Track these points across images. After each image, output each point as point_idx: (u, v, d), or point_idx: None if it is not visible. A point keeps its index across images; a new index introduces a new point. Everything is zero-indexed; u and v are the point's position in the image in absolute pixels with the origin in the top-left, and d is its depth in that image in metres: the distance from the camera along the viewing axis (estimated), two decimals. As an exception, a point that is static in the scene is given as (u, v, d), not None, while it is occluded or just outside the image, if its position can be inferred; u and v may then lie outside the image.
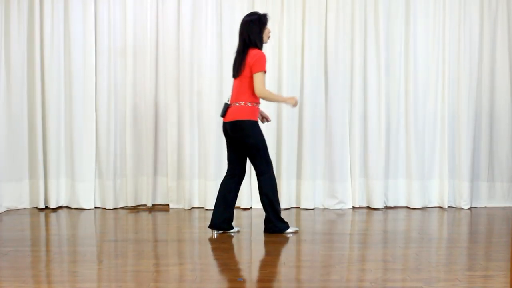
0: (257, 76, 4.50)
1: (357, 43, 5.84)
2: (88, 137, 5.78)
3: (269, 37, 4.71)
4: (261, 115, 4.85)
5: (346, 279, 3.64)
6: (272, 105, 5.81)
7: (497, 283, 3.55)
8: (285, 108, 5.80)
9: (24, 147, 5.76)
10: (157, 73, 5.86)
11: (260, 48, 4.61)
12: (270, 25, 5.77)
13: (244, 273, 3.83)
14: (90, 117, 5.77)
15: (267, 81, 5.77)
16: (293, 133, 5.88)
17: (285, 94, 5.80)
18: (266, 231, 4.73)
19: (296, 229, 4.82)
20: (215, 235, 4.69)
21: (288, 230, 4.73)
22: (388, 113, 5.92)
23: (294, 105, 4.67)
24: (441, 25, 5.90)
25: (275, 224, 4.69)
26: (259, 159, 4.62)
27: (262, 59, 4.52)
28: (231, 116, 4.57)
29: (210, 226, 4.74)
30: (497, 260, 4.04)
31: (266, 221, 4.73)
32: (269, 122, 5.13)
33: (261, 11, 5.74)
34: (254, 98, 4.57)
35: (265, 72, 4.54)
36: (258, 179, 4.67)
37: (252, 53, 4.54)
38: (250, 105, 4.56)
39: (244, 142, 4.59)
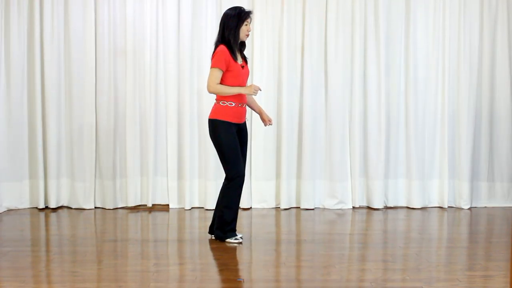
0: (210, 71, 4.34)
1: (357, 43, 5.84)
2: (88, 137, 5.77)
3: (247, 35, 4.42)
4: (261, 117, 4.66)
5: (346, 279, 3.64)
6: (272, 104, 5.82)
7: (497, 283, 3.55)
8: (285, 108, 5.79)
9: (24, 147, 5.75)
10: (157, 73, 5.86)
11: (234, 44, 4.35)
12: (270, 25, 5.84)
13: (244, 273, 3.83)
14: (90, 117, 5.77)
15: (268, 82, 5.80)
16: (293, 133, 5.87)
17: (285, 94, 5.80)
18: (215, 237, 4.56)
19: (240, 240, 4.50)
20: (213, 237, 4.61)
21: (229, 240, 4.47)
22: (388, 113, 5.92)
23: (255, 93, 4.37)
24: (441, 25, 5.89)
25: (216, 232, 4.52)
26: (224, 162, 4.43)
27: (219, 55, 4.29)
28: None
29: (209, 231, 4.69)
30: (497, 260, 4.04)
31: (212, 226, 4.61)
32: (271, 125, 4.88)
33: (259, 10, 5.83)
34: (226, 96, 4.36)
35: (220, 69, 4.28)
36: (224, 182, 4.49)
37: (216, 49, 4.38)
38: (222, 104, 4.37)
39: (211, 139, 4.48)
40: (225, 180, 4.48)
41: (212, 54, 4.41)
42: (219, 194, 4.56)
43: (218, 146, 4.41)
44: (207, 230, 4.70)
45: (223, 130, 4.37)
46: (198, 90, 5.82)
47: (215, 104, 4.44)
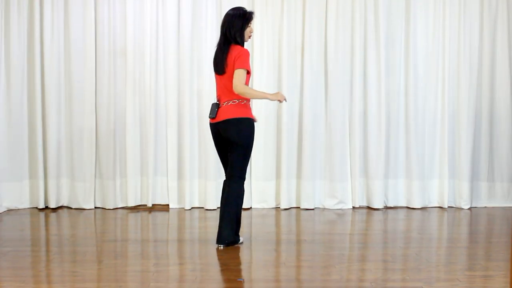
0: (237, 72, 4.15)
1: (357, 43, 5.84)
2: (88, 137, 5.77)
3: (250, 36, 4.36)
4: None
5: (346, 279, 3.64)
6: (272, 104, 5.81)
7: (497, 283, 3.55)
8: (286, 107, 5.79)
9: (24, 147, 5.76)
10: (157, 73, 5.86)
11: (241, 45, 4.29)
12: (270, 25, 5.85)
13: (244, 273, 3.83)
14: (90, 117, 5.77)
15: (268, 81, 5.81)
16: (293, 133, 5.87)
17: (285, 94, 5.77)
18: (229, 243, 4.37)
19: (240, 241, 4.46)
20: (221, 247, 4.38)
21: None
22: (388, 113, 5.92)
23: (281, 100, 4.32)
24: (441, 25, 5.90)
25: (227, 234, 4.33)
26: (241, 162, 4.29)
27: (246, 56, 4.20)
28: (225, 115, 4.24)
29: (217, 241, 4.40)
30: (497, 260, 4.04)
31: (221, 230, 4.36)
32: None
33: (259, 9, 5.84)
34: (238, 95, 4.26)
35: (247, 71, 4.20)
36: (231, 182, 4.34)
37: (237, 49, 4.22)
38: (243, 102, 4.28)
39: (236, 139, 4.23)
40: (235, 181, 4.33)
41: (227, 54, 4.23)
42: (226, 199, 4.34)
43: (245, 145, 4.26)
44: (207, 230, 4.70)
45: (251, 128, 4.28)
46: (198, 90, 5.82)
47: (233, 104, 4.27)
